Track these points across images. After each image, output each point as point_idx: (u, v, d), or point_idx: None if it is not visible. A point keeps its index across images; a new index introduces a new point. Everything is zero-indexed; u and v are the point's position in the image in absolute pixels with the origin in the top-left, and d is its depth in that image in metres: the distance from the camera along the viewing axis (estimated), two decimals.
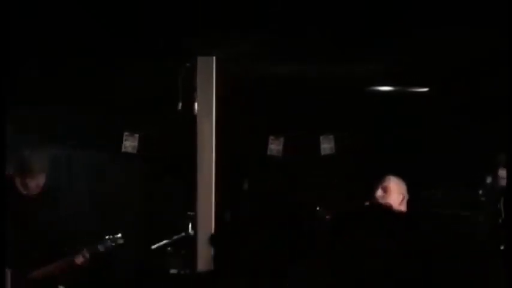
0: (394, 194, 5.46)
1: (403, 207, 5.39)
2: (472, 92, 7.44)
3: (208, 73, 6.26)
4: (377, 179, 5.58)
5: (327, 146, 7.75)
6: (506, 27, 4.98)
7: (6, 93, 4.74)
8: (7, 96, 4.79)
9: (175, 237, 6.70)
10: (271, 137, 7.79)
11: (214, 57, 6.27)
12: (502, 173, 6.11)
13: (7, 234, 4.80)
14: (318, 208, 5.72)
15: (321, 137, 7.79)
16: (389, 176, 5.58)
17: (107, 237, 5.76)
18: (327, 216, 5.64)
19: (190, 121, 6.24)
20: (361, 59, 6.63)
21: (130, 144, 7.47)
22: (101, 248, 5.73)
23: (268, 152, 7.78)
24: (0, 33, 4.62)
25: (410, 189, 5.48)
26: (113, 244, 5.75)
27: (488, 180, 6.13)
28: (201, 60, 6.27)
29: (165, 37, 5.92)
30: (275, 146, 7.79)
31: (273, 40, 5.99)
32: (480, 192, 6.17)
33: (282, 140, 7.78)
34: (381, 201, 5.34)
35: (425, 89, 7.66)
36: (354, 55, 6.44)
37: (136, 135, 7.46)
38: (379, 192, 5.45)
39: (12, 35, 5.05)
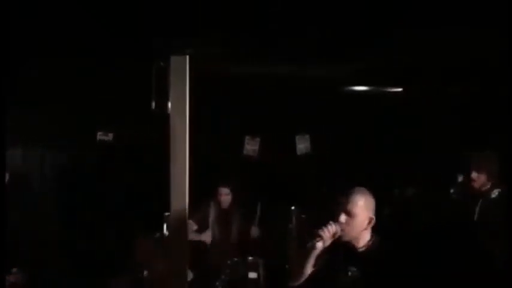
0: (360, 218, 4.20)
1: (367, 232, 4.22)
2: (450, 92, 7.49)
3: (181, 72, 6.22)
4: (337, 196, 4.28)
5: (302, 145, 7.75)
6: (506, 27, 4.97)
7: (6, 93, 4.75)
8: (7, 96, 4.79)
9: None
10: (247, 137, 7.78)
11: (187, 56, 6.24)
12: (475, 175, 5.87)
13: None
14: (292, 207, 5.55)
15: (297, 137, 7.79)
16: (355, 193, 4.20)
17: None
18: (302, 216, 5.61)
19: (163, 120, 6.21)
20: (338, 60, 6.65)
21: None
22: None
23: (244, 152, 7.77)
24: (0, 33, 4.63)
25: (388, 190, 5.19)
26: None
27: (460, 179, 6.11)
28: (174, 59, 6.23)
29: (140, 36, 5.91)
30: (251, 146, 7.78)
31: (248, 39, 5.98)
32: (452, 191, 6.17)
33: (258, 140, 7.77)
34: (344, 228, 4.14)
35: (400, 89, 7.69)
36: (331, 56, 6.45)
37: (111, 134, 7.44)
38: (341, 218, 4.16)
39: (12, 35, 5.07)
